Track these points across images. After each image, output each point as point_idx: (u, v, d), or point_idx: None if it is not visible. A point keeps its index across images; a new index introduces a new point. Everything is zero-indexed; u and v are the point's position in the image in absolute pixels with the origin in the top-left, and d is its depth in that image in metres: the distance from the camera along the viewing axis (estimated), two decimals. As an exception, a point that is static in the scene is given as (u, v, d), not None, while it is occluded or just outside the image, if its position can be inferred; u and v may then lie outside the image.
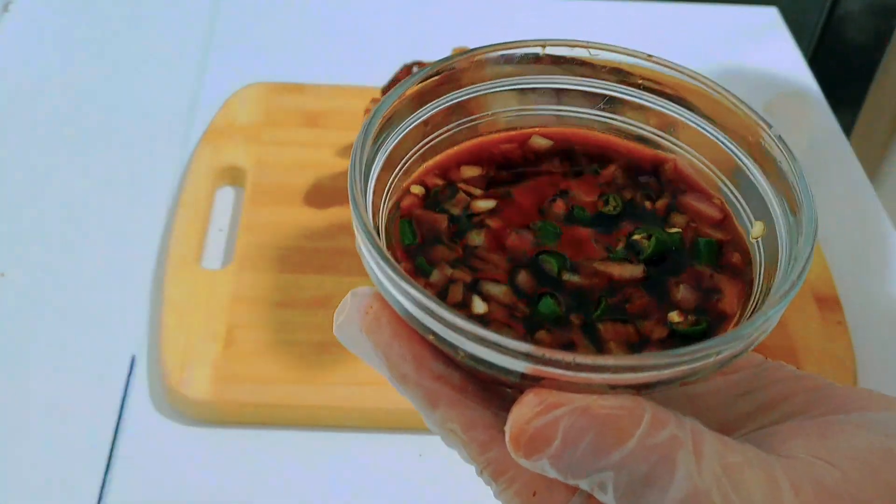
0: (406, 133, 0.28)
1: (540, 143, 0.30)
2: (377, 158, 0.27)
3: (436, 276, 0.26)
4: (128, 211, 0.68)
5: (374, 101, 0.64)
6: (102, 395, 0.57)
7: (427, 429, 0.26)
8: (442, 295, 0.26)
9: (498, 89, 0.29)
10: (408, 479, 0.54)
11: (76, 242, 0.66)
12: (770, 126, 0.27)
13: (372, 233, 0.24)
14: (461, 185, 0.29)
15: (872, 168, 1.12)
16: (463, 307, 0.25)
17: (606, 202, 0.29)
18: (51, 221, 0.67)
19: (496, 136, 0.30)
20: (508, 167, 0.30)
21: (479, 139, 0.30)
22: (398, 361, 0.25)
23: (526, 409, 0.23)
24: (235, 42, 0.86)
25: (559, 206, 0.28)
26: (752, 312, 0.26)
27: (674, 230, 0.28)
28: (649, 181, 0.30)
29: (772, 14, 0.96)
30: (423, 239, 0.27)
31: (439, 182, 0.29)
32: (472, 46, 0.72)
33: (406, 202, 0.28)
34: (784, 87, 0.81)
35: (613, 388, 0.23)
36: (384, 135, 0.27)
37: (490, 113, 0.30)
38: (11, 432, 0.55)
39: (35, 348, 0.59)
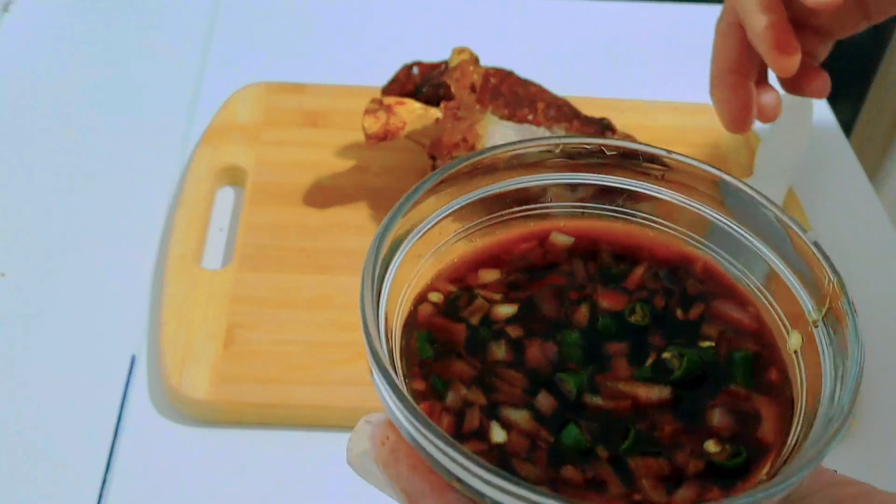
0: (420, 237, 0.27)
1: (560, 240, 0.28)
2: (389, 272, 0.25)
3: (451, 398, 0.24)
4: (128, 211, 0.68)
5: (373, 100, 0.64)
6: (102, 395, 0.57)
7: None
8: (459, 420, 0.24)
9: (514, 187, 0.28)
10: (408, 479, 0.54)
11: (76, 242, 0.66)
12: (805, 231, 0.26)
13: (389, 371, 0.22)
14: (480, 292, 0.27)
15: (872, 168, 1.12)
16: (480, 435, 0.24)
17: (633, 311, 0.26)
18: (50, 221, 0.67)
19: (514, 234, 0.28)
20: (529, 268, 0.28)
21: (497, 238, 0.28)
22: (418, 497, 0.23)
23: None
24: (235, 42, 0.86)
25: (582, 315, 0.26)
26: (797, 442, 0.23)
27: (706, 344, 0.26)
28: (679, 284, 0.27)
29: (772, 14, 0.96)
30: (441, 351, 0.25)
31: (456, 288, 0.27)
32: (471, 46, 0.73)
33: (424, 310, 0.26)
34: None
35: None
36: (395, 245, 0.26)
37: (507, 211, 0.28)
38: (11, 432, 0.55)
39: (35, 348, 0.59)
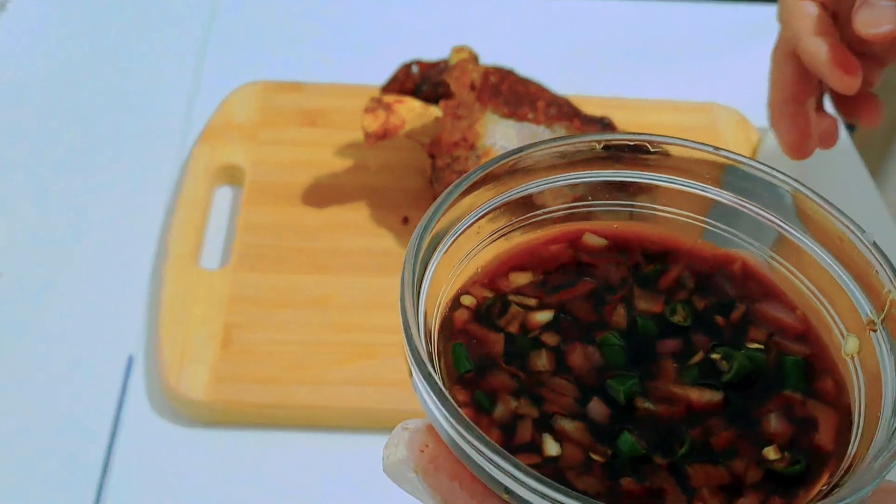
0: (458, 236, 0.26)
1: (593, 241, 0.27)
2: (427, 273, 0.24)
3: (499, 411, 0.23)
4: (125, 210, 0.68)
5: (373, 99, 0.63)
6: (100, 395, 0.56)
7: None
8: (509, 433, 0.23)
9: (549, 185, 0.27)
10: (407, 480, 0.54)
11: (74, 242, 0.65)
12: (863, 231, 0.25)
13: (431, 373, 0.21)
14: (513, 298, 0.26)
15: (875, 166, 1.11)
16: (532, 447, 0.23)
17: (674, 311, 0.25)
18: (48, 221, 0.67)
19: (546, 234, 0.27)
20: (561, 270, 0.26)
21: (528, 239, 0.27)
22: None
23: None
24: (233, 40, 0.86)
25: (620, 316, 0.25)
26: (857, 451, 0.22)
27: (754, 346, 0.25)
28: (721, 285, 0.26)
29: (773, 13, 0.96)
30: (480, 365, 0.24)
31: (489, 294, 0.26)
32: (471, 45, 0.72)
33: (459, 315, 0.25)
34: (785, 86, 0.81)
35: None
36: (431, 246, 0.25)
37: (542, 212, 0.27)
38: (9, 432, 0.54)
39: (32, 348, 0.59)
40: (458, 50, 0.68)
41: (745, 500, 0.22)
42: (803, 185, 0.26)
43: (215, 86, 0.78)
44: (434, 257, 0.25)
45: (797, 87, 0.52)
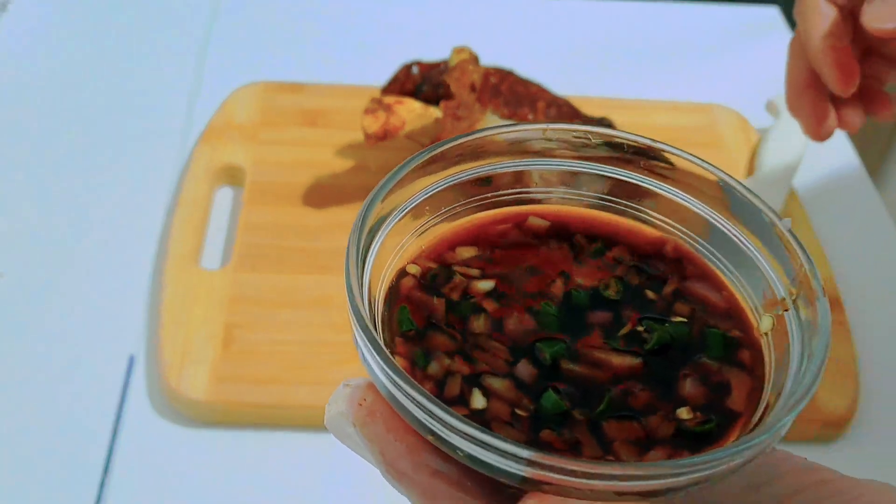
0: (404, 215, 0.28)
1: (537, 223, 0.29)
2: (374, 244, 0.26)
3: (434, 367, 0.25)
4: (126, 211, 0.68)
5: (373, 100, 0.64)
6: (101, 395, 0.56)
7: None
8: (440, 387, 0.25)
9: (496, 170, 0.29)
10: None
11: (75, 242, 0.65)
12: (780, 219, 0.27)
13: (370, 329, 0.23)
14: (458, 268, 0.28)
15: (874, 167, 1.11)
16: (461, 401, 0.24)
17: (607, 286, 0.28)
18: (49, 221, 0.67)
19: (491, 215, 0.29)
20: (505, 248, 0.29)
21: (475, 218, 0.29)
22: (394, 457, 0.23)
23: None
24: (233, 41, 0.86)
25: (557, 288, 0.28)
26: (764, 412, 0.25)
27: (679, 319, 0.27)
28: (653, 265, 0.29)
29: (773, 13, 0.96)
30: (422, 325, 0.26)
31: (434, 265, 0.28)
32: (471, 46, 0.72)
33: (405, 283, 0.27)
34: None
35: (620, 496, 0.22)
36: (381, 220, 0.27)
37: (490, 195, 0.29)
38: (10, 432, 0.54)
39: (33, 348, 0.59)
40: (459, 51, 0.68)
41: (655, 452, 0.24)
42: (730, 176, 0.28)
43: (216, 86, 0.78)
44: (382, 230, 0.27)
45: (811, 75, 0.54)
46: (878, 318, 0.65)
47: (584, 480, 0.21)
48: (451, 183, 0.28)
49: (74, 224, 0.67)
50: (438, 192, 0.28)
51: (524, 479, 0.22)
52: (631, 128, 0.68)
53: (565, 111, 0.67)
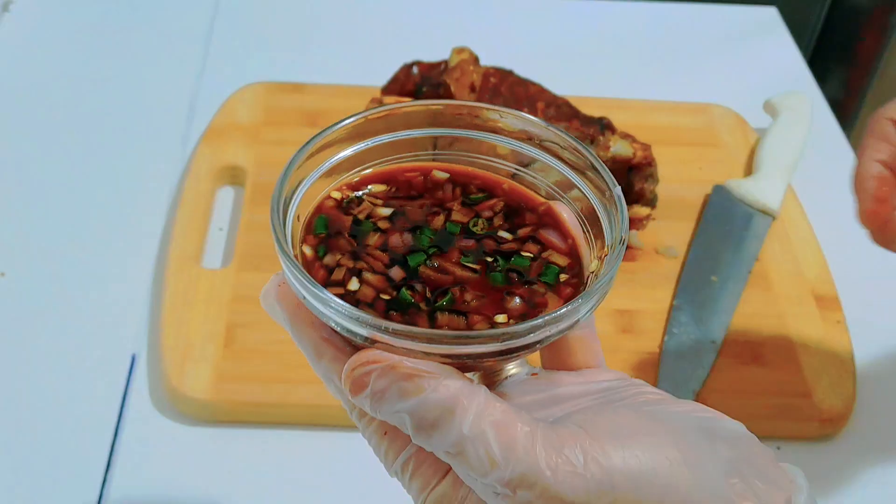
0: (339, 158, 0.36)
1: (439, 175, 0.38)
2: (303, 184, 0.35)
3: (328, 259, 0.34)
4: (128, 210, 0.68)
5: (373, 100, 0.64)
6: (103, 394, 0.57)
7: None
8: (329, 273, 0.33)
9: (413, 135, 0.38)
10: (407, 478, 0.54)
11: (77, 242, 0.66)
12: (615, 186, 0.34)
13: (281, 237, 0.32)
14: (367, 197, 0.36)
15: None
16: (342, 285, 0.33)
17: (476, 224, 0.36)
18: (51, 221, 0.67)
19: (406, 166, 0.38)
20: (408, 187, 0.37)
21: (392, 167, 0.37)
22: (300, 324, 0.33)
23: (353, 361, 0.30)
24: (235, 42, 0.86)
25: (438, 221, 0.36)
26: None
27: (526, 254, 0.35)
28: (520, 214, 0.37)
29: (771, 14, 0.97)
30: (330, 232, 0.35)
31: (351, 193, 0.36)
32: (471, 46, 0.72)
33: (326, 203, 0.36)
34: (783, 87, 0.81)
35: (427, 355, 0.30)
36: (321, 154, 0.36)
37: (405, 155, 0.38)
38: (13, 431, 0.55)
39: (36, 347, 0.59)
40: (459, 51, 0.68)
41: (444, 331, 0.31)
42: (586, 147, 0.36)
43: (217, 87, 0.78)
44: (313, 174, 0.36)
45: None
46: (875, 317, 0.65)
47: (397, 339, 0.29)
48: (370, 145, 0.37)
49: (77, 224, 0.67)
50: (361, 151, 0.37)
51: (366, 339, 0.30)
52: (630, 128, 0.69)
53: (564, 111, 0.67)
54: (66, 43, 0.85)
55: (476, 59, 0.68)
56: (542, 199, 0.37)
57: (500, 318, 0.33)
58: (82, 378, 0.58)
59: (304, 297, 0.31)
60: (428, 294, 0.33)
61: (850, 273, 0.68)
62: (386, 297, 0.33)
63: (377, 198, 0.36)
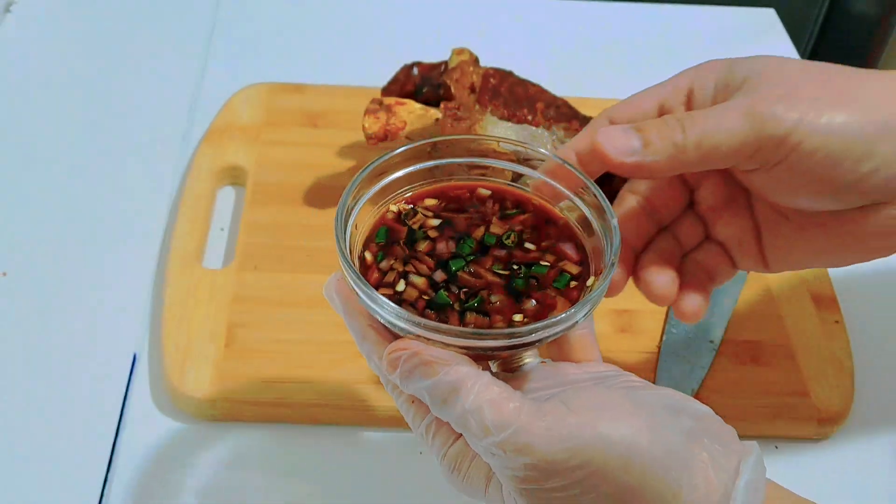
0: (397, 177, 0.43)
1: (482, 192, 0.45)
2: (362, 197, 0.42)
3: (383, 263, 0.41)
4: (129, 210, 0.69)
5: (374, 101, 0.64)
6: (104, 393, 0.57)
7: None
8: (383, 275, 0.40)
9: (461, 161, 0.45)
10: (408, 477, 0.54)
11: (78, 242, 0.66)
12: (613, 217, 0.40)
13: (344, 247, 0.39)
14: (420, 210, 0.43)
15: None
16: (392, 286, 0.40)
17: (508, 237, 0.42)
18: (53, 221, 0.67)
19: (455, 184, 0.45)
20: (458, 203, 0.44)
21: (443, 185, 0.45)
22: (352, 312, 0.40)
23: (390, 347, 0.37)
24: (236, 42, 0.86)
25: (479, 232, 0.42)
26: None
27: (544, 263, 0.41)
28: (544, 230, 0.43)
29: (769, 15, 0.97)
30: (389, 241, 0.42)
31: (408, 207, 0.44)
32: (471, 47, 0.73)
33: (387, 216, 0.43)
34: (782, 88, 0.82)
35: (447, 346, 0.37)
36: (383, 174, 0.43)
37: (450, 177, 0.45)
38: (15, 430, 0.55)
39: (37, 347, 0.59)
40: (459, 52, 0.68)
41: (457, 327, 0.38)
42: (593, 183, 0.42)
43: (219, 87, 0.79)
44: (374, 188, 0.42)
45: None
46: (873, 317, 0.66)
47: (429, 332, 0.36)
48: (430, 165, 0.44)
49: (78, 223, 0.67)
50: (416, 171, 0.44)
51: (404, 330, 0.37)
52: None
53: (564, 112, 0.67)
54: (67, 43, 0.85)
55: (476, 60, 0.68)
56: (562, 215, 0.44)
57: (518, 317, 0.39)
58: (83, 377, 0.58)
59: (357, 294, 0.38)
60: (462, 295, 0.40)
61: (848, 273, 0.68)
62: (426, 297, 0.39)
63: (429, 210, 0.43)
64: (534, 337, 0.37)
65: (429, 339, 0.37)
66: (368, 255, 0.41)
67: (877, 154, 0.40)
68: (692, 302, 0.45)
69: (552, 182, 0.43)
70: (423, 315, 0.38)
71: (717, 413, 0.38)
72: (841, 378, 0.60)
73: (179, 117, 0.77)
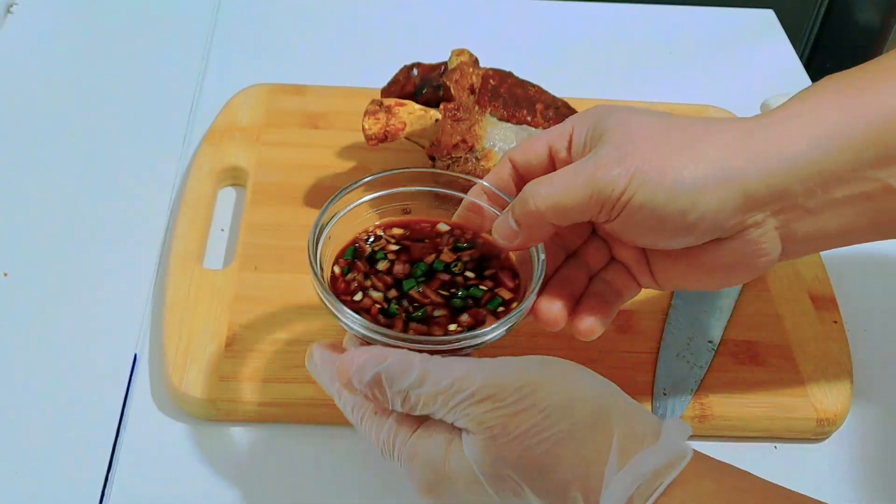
0: (354, 205, 0.51)
1: (442, 227, 0.52)
2: (332, 220, 0.49)
3: (348, 277, 0.49)
4: (130, 211, 0.69)
5: (374, 102, 0.64)
6: (105, 394, 0.57)
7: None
8: (347, 287, 0.48)
9: (421, 189, 0.53)
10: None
11: (79, 242, 0.66)
12: (541, 252, 0.48)
13: (315, 263, 0.46)
14: (385, 236, 0.51)
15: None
16: (353, 295, 0.48)
17: (455, 264, 0.50)
18: (54, 221, 0.68)
19: (420, 218, 0.52)
20: (420, 233, 0.52)
21: (408, 217, 0.52)
22: (328, 378, 0.48)
23: (345, 355, 0.44)
24: (237, 43, 0.86)
25: (430, 259, 0.50)
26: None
27: (482, 287, 0.49)
28: (488, 260, 0.50)
29: (768, 16, 0.97)
30: (355, 257, 0.50)
31: (378, 232, 0.51)
32: (470, 48, 0.73)
33: (357, 237, 0.51)
34: (780, 89, 0.82)
35: (394, 346, 0.43)
36: (339, 209, 0.50)
37: (409, 204, 0.53)
38: (15, 430, 0.55)
39: (38, 347, 0.59)
40: (458, 53, 0.68)
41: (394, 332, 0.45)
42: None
43: (219, 88, 0.79)
44: (340, 213, 0.50)
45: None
46: (872, 317, 0.66)
47: (377, 335, 0.43)
48: (390, 192, 0.52)
49: (79, 224, 0.68)
50: (373, 199, 0.52)
51: (358, 332, 0.44)
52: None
53: (564, 113, 0.67)
54: (68, 44, 0.85)
55: (475, 61, 0.68)
56: (503, 248, 0.49)
57: (453, 326, 0.47)
58: (84, 378, 0.58)
59: (323, 302, 0.45)
60: (410, 309, 0.47)
61: (847, 273, 0.68)
62: (378, 307, 0.47)
63: (393, 237, 0.51)
64: (457, 345, 0.44)
65: (376, 342, 0.43)
66: (337, 269, 0.49)
67: (700, 204, 0.44)
68: (585, 323, 0.49)
69: (471, 215, 0.51)
70: (375, 322, 0.45)
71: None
72: (839, 378, 0.60)
73: (180, 118, 0.77)
